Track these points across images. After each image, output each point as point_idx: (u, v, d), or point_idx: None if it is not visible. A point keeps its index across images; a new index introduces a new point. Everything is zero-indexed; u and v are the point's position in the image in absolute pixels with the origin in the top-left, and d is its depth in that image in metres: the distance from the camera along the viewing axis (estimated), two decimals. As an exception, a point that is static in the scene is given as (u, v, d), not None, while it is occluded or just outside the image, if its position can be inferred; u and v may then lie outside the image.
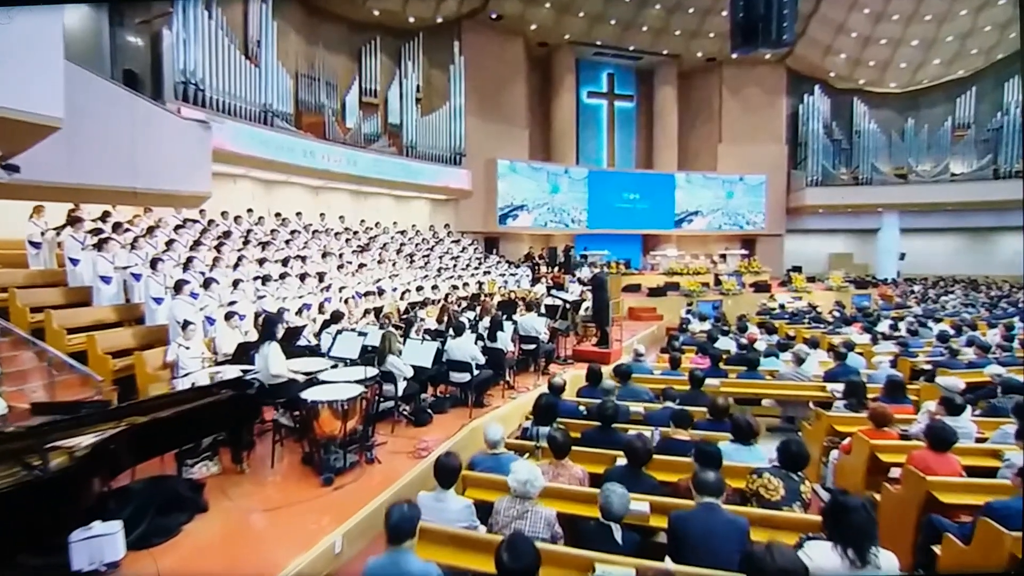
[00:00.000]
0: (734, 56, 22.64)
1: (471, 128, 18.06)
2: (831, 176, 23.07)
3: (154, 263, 7.30)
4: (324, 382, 4.82)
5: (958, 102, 22.12)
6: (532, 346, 7.68)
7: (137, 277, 7.56)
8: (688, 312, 11.23)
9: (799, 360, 6.16)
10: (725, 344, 8.09)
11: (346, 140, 14.75)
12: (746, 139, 23.12)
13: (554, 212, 20.72)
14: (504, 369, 6.90)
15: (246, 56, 12.90)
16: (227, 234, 10.17)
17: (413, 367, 5.64)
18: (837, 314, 11.38)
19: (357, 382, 4.69)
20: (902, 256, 23.47)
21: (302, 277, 9.10)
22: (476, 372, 6.06)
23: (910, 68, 21.97)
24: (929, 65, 21.63)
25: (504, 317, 8.44)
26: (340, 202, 15.37)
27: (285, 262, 9.61)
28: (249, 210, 12.29)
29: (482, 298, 10.44)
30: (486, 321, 7.56)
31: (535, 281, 15.32)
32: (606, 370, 6.71)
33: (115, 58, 11.09)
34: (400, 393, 5.48)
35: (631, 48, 21.52)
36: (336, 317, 6.67)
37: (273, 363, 4.77)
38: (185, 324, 6.30)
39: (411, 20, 17.12)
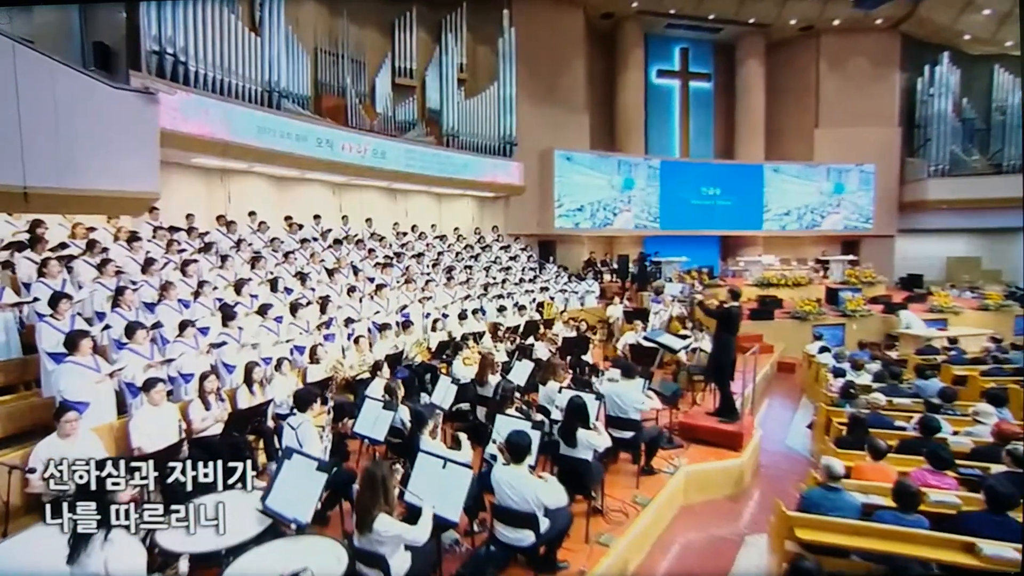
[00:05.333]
0: (835, 22, 18.99)
1: (523, 114, 15.24)
2: (962, 164, 18.76)
3: (55, 300, 4.86)
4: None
5: None
6: (629, 434, 4.74)
7: (43, 317, 5.19)
8: (833, 355, 7.81)
9: None
10: (944, 429, 4.93)
11: (372, 127, 12.22)
12: (849, 122, 19.16)
13: (626, 210, 17.61)
14: (589, 489, 4.03)
15: (252, 28, 10.57)
16: (207, 247, 7.76)
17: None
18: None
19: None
20: (1052, 261, 18.99)
21: (294, 308, 6.54)
22: (545, 528, 3.20)
23: (1084, 21, 17.39)
24: (1113, 15, 16.97)
25: (580, 372, 5.63)
26: (369, 203, 12.89)
27: (274, 286, 7.08)
28: (251, 213, 9.96)
29: (544, 336, 7.56)
30: (553, 390, 4.74)
31: (605, 299, 12.28)
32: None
33: (85, 29, 8.95)
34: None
35: (710, 17, 18.12)
36: (302, 402, 3.90)
37: None
38: (60, 411, 3.81)
39: (453, -13, 14.48)
